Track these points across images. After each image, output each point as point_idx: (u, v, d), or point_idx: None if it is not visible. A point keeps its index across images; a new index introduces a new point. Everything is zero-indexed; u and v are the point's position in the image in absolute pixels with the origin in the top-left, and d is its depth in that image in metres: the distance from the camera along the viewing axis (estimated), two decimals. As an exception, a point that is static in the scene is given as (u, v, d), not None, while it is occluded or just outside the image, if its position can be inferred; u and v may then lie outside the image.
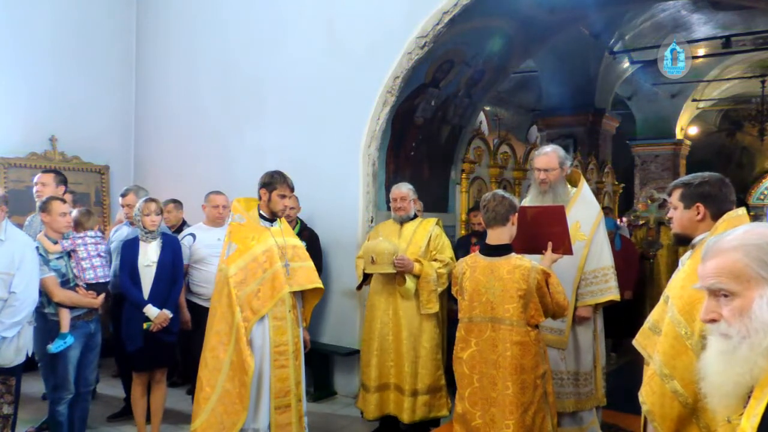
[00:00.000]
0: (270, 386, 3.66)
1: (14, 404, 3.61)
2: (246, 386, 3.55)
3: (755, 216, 15.75)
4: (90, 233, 4.27)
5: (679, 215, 2.41)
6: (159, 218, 4.36)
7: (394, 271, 4.27)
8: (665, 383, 2.09)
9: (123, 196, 5.03)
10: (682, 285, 2.17)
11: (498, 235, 3.34)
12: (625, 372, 6.43)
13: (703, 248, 1.45)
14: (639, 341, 2.44)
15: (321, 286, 3.96)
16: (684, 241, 2.44)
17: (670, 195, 2.50)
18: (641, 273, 8.12)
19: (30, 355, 3.68)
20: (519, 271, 3.22)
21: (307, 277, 3.89)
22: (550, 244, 3.52)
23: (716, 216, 2.33)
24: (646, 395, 2.17)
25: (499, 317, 3.25)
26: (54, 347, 3.85)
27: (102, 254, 4.26)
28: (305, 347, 3.96)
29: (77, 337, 3.98)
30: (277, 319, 3.69)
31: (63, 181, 5.06)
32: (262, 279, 3.66)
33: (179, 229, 5.37)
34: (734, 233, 1.40)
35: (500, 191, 3.45)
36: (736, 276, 1.34)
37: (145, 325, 4.20)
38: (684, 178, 2.49)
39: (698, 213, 2.35)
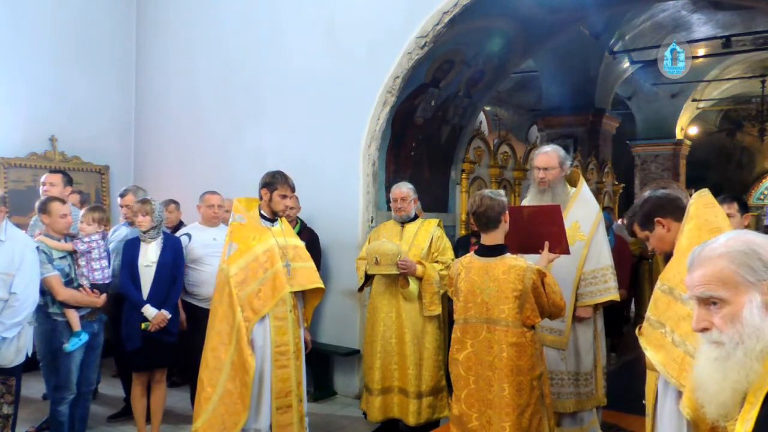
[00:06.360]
0: (271, 386, 3.66)
1: (14, 404, 3.60)
2: (247, 386, 3.54)
3: (756, 216, 15.76)
4: (101, 233, 4.28)
5: (652, 240, 2.54)
6: (147, 219, 4.26)
7: (398, 272, 4.27)
8: None
9: (121, 196, 5.04)
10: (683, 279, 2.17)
11: (492, 237, 3.30)
12: (625, 372, 6.42)
13: (689, 258, 1.46)
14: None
15: (322, 286, 3.96)
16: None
17: (634, 233, 2.63)
18: (641, 273, 8.11)
19: (30, 355, 3.69)
20: (514, 271, 3.17)
21: (308, 277, 3.89)
22: (546, 243, 3.50)
23: (679, 217, 2.44)
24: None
25: (495, 318, 3.21)
26: (71, 345, 3.87)
27: (108, 256, 4.27)
28: (306, 347, 3.95)
29: (81, 337, 3.99)
30: (278, 319, 3.69)
31: (69, 181, 5.18)
32: (263, 279, 3.66)
33: (176, 229, 5.36)
34: (718, 242, 1.41)
35: (487, 191, 3.35)
36: (725, 283, 1.35)
37: (143, 326, 4.19)
38: (629, 210, 2.66)
39: (663, 226, 2.47)
